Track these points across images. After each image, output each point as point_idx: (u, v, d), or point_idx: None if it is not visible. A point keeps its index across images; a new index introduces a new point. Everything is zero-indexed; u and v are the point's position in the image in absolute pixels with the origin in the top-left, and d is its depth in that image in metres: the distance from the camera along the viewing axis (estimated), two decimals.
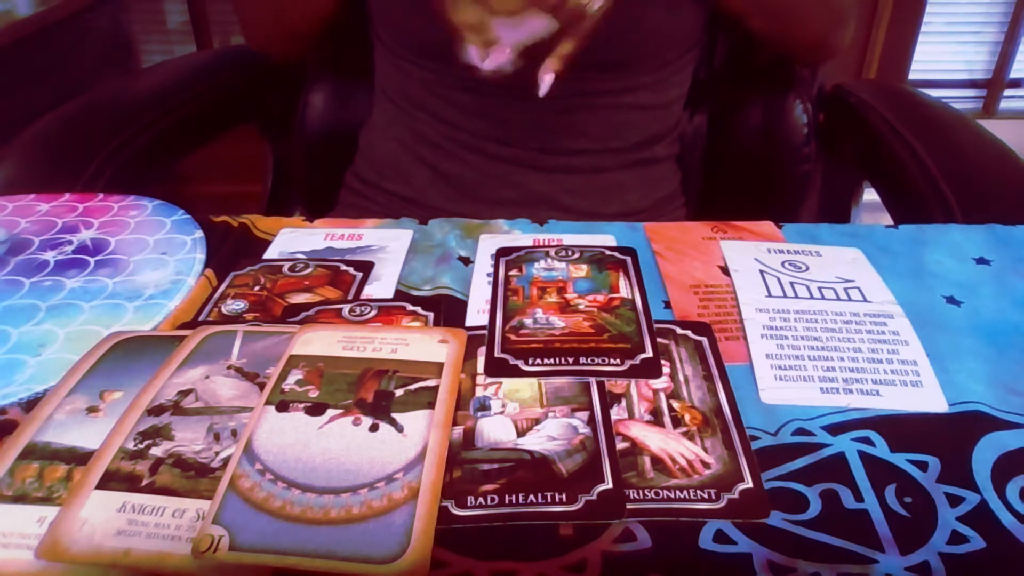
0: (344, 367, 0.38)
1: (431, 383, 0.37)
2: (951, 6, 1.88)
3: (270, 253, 0.51)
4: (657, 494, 0.32)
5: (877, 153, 0.73)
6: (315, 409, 0.35)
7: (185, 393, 0.37)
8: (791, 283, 0.46)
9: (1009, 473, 0.33)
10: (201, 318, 0.44)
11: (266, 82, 0.87)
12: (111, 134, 0.68)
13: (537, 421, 0.35)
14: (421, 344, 0.40)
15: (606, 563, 0.29)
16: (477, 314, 0.44)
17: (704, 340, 0.41)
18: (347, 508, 0.30)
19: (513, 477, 0.32)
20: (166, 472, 0.32)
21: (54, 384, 0.38)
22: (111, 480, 0.32)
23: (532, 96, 0.67)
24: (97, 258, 0.48)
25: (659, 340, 0.41)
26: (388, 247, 0.51)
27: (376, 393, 0.36)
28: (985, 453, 0.34)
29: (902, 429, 0.36)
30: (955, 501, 0.32)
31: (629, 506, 0.31)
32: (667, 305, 0.45)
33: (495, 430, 0.35)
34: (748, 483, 0.32)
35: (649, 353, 0.39)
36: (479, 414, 0.36)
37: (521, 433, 0.35)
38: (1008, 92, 1.98)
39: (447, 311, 0.44)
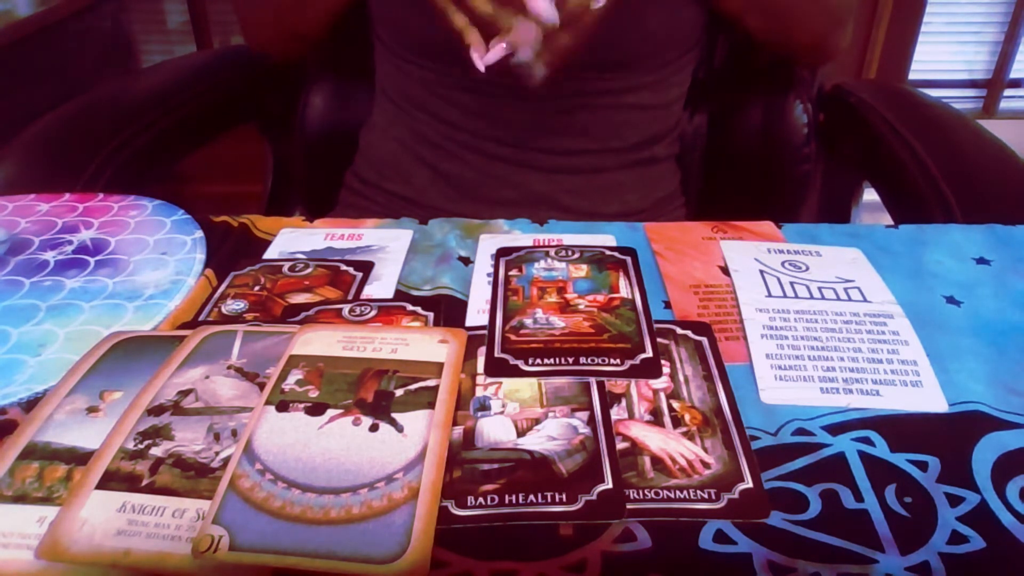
0: (344, 367, 0.38)
1: (431, 383, 0.37)
2: (951, 6, 1.88)
3: (270, 253, 0.51)
4: (657, 494, 0.32)
5: (877, 153, 0.73)
6: (315, 409, 0.35)
7: (185, 393, 0.37)
8: (791, 283, 0.46)
9: (1009, 473, 0.33)
10: (201, 318, 0.44)
11: (266, 82, 0.87)
12: (111, 134, 0.68)
13: (537, 421, 0.35)
14: (421, 344, 0.40)
15: (606, 563, 0.29)
16: (477, 314, 0.44)
17: (704, 340, 0.41)
18: (347, 508, 0.30)
19: (513, 477, 0.32)
20: (166, 472, 0.32)
21: (54, 384, 0.38)
22: (111, 480, 0.32)
23: (532, 96, 0.67)
24: (97, 258, 0.48)
25: (659, 340, 0.41)
26: (388, 247, 0.51)
27: (376, 393, 0.36)
28: (985, 453, 0.34)
29: (902, 429, 0.36)
30: (955, 501, 0.32)
31: (629, 506, 0.31)
32: (667, 305, 0.45)
33: (495, 430, 0.35)
34: (748, 483, 0.32)
35: (649, 353, 0.39)
36: (479, 414, 0.36)
37: (521, 433, 0.35)
38: (1008, 92, 1.98)
39: (447, 311, 0.44)
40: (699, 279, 0.47)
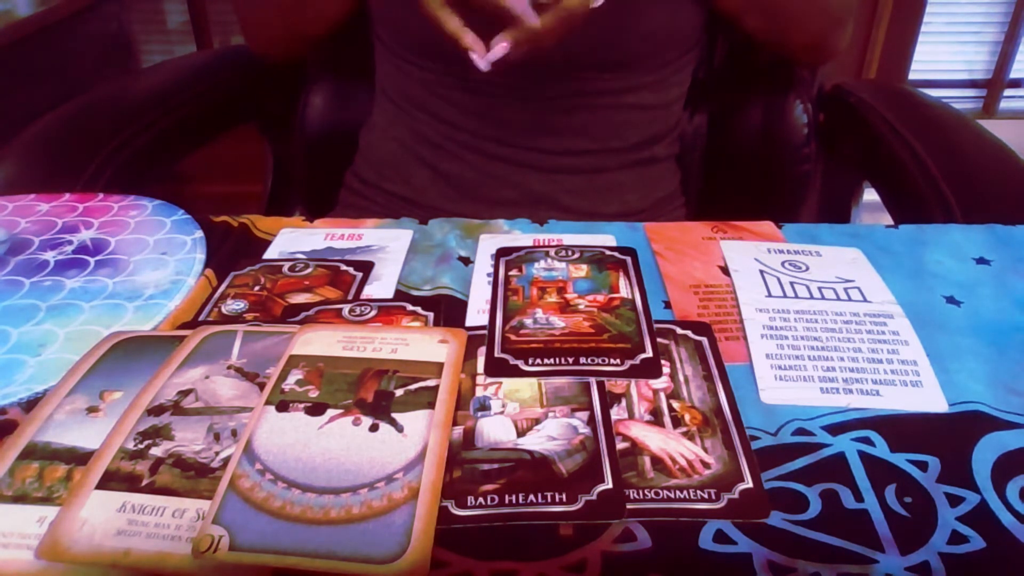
0: (344, 367, 0.38)
1: (431, 383, 0.37)
2: (951, 6, 1.88)
3: (270, 253, 0.51)
4: (657, 494, 0.32)
5: (877, 153, 0.73)
6: (315, 409, 0.35)
7: (185, 393, 0.37)
8: (791, 283, 0.46)
9: (1009, 473, 0.33)
10: (201, 318, 0.44)
11: (266, 82, 0.87)
12: (111, 134, 0.68)
13: (537, 421, 0.35)
14: (421, 344, 0.40)
15: (606, 563, 0.29)
16: (477, 314, 0.44)
17: (704, 340, 0.41)
18: (347, 508, 0.30)
19: (513, 477, 0.32)
20: (166, 472, 0.32)
21: (54, 384, 0.38)
22: (111, 480, 0.32)
23: (532, 96, 0.67)
24: (97, 258, 0.48)
25: (659, 340, 0.41)
26: (388, 247, 0.51)
27: (376, 393, 0.36)
28: (985, 453, 0.34)
29: (902, 429, 0.36)
30: (955, 501, 0.32)
31: (629, 506, 0.31)
32: (667, 305, 0.45)
33: (495, 430, 0.35)
34: (748, 483, 0.32)
35: (649, 353, 0.39)
36: (479, 414, 0.36)
37: (521, 433, 0.35)
38: (1008, 92, 1.98)
39: (447, 311, 0.44)
40: (699, 279, 0.47)
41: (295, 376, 0.37)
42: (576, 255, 0.48)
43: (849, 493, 0.32)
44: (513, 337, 0.41)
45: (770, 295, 0.45)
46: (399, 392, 0.36)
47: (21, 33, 1.23)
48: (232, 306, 0.45)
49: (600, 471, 0.32)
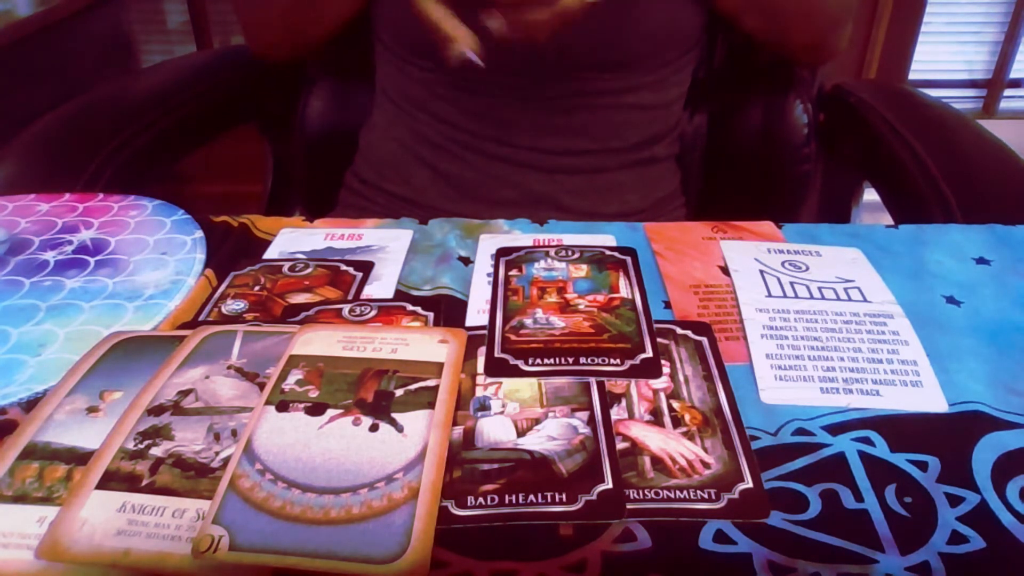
0: (344, 367, 0.38)
1: (431, 383, 0.37)
2: (951, 6, 1.88)
3: (270, 253, 0.51)
4: (657, 494, 0.32)
5: (877, 153, 0.73)
6: (315, 409, 0.35)
7: (185, 393, 0.37)
8: (791, 283, 0.46)
9: (1009, 473, 0.33)
10: (201, 318, 0.44)
11: (266, 82, 0.87)
12: (111, 134, 0.68)
13: (537, 421, 0.35)
14: (421, 344, 0.40)
15: (606, 563, 0.29)
16: (477, 314, 0.44)
17: (704, 340, 0.41)
18: (347, 508, 0.30)
19: (513, 477, 0.32)
20: (166, 472, 0.32)
21: (54, 384, 0.38)
22: (111, 480, 0.32)
23: (532, 96, 0.67)
24: (97, 258, 0.48)
25: (659, 340, 0.41)
26: (388, 247, 0.51)
27: (376, 393, 0.36)
28: (985, 453, 0.34)
29: (902, 429, 0.36)
30: (955, 501, 0.32)
31: (629, 506, 0.31)
32: (667, 305, 0.45)
33: (495, 430, 0.35)
34: (748, 483, 0.32)
35: (649, 353, 0.39)
36: (479, 414, 0.36)
37: (521, 433, 0.35)
38: (1008, 92, 1.98)
39: (447, 311, 0.44)
40: (699, 279, 0.47)
41: (295, 376, 0.37)
42: (576, 255, 0.48)
43: (849, 493, 0.32)
44: (513, 337, 0.41)
45: (770, 295, 0.45)
46: (399, 392, 0.36)
47: (21, 33, 1.23)
48: (232, 306, 0.45)
49: (600, 471, 0.32)
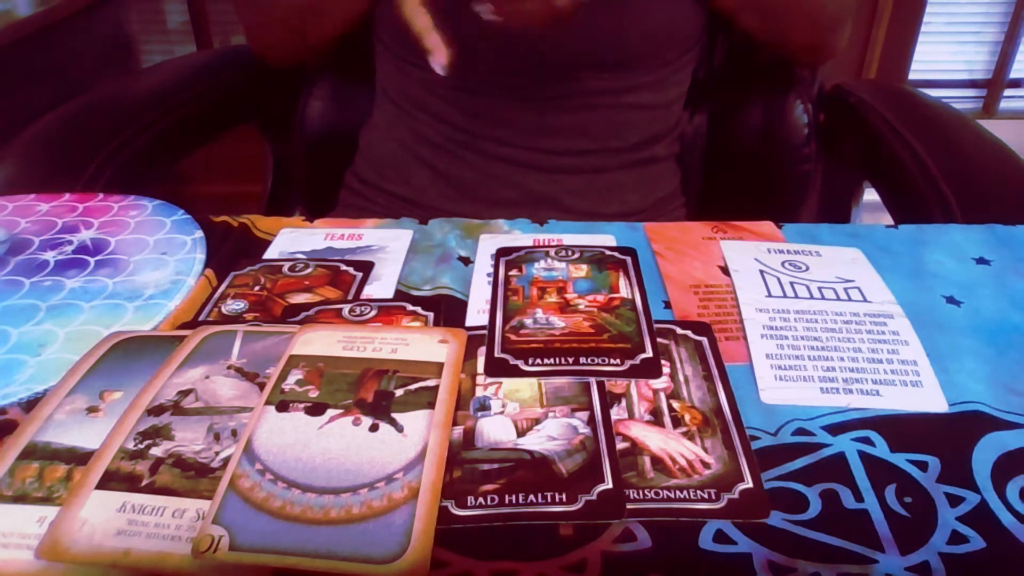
0: (344, 367, 0.38)
1: (431, 383, 0.37)
2: (951, 6, 1.88)
3: (270, 253, 0.51)
4: (657, 494, 0.32)
5: (877, 153, 0.73)
6: (315, 409, 0.35)
7: (185, 393, 0.37)
8: (791, 283, 0.46)
9: (1009, 473, 0.33)
10: (201, 318, 0.44)
11: (266, 82, 0.87)
12: (111, 134, 0.68)
13: (537, 421, 0.35)
14: (421, 344, 0.40)
15: (606, 563, 0.29)
16: (477, 314, 0.44)
17: (704, 340, 0.41)
18: (347, 508, 0.30)
19: (513, 477, 0.32)
20: (166, 472, 0.32)
21: (54, 384, 0.38)
22: (111, 480, 0.32)
23: (532, 96, 0.67)
24: (97, 258, 0.48)
25: (659, 340, 0.41)
26: (388, 247, 0.51)
27: (376, 393, 0.36)
28: (985, 453, 0.34)
29: (902, 429, 0.36)
30: (955, 501, 0.32)
31: (629, 506, 0.31)
32: (667, 305, 0.45)
33: (495, 430, 0.35)
34: (748, 483, 0.32)
35: (649, 353, 0.39)
36: (479, 414, 0.36)
37: (521, 433, 0.35)
38: (1008, 92, 1.98)
39: (447, 311, 0.44)
40: (699, 279, 0.47)
41: (295, 376, 0.37)
42: (576, 255, 0.48)
43: (849, 493, 0.32)
44: (513, 337, 0.41)
45: (770, 295, 0.45)
46: (399, 392, 0.36)
47: (21, 33, 1.23)
48: (232, 306, 0.45)
49: (600, 471, 0.32)
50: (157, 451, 0.33)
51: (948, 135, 0.71)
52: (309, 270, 0.48)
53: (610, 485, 0.32)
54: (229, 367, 0.38)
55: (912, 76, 1.93)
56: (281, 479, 0.31)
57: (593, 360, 0.39)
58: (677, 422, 0.35)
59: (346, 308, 0.44)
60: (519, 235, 0.52)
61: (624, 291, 0.45)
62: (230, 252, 0.50)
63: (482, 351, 0.40)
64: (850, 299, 0.44)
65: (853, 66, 1.85)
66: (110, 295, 0.45)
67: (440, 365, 0.38)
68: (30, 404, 0.37)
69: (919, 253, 0.49)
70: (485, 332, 0.41)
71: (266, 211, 0.92)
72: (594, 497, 0.31)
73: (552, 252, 0.49)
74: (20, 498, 0.32)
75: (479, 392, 0.37)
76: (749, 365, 0.40)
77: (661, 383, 0.38)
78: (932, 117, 0.74)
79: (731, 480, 0.32)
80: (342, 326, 0.42)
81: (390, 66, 0.73)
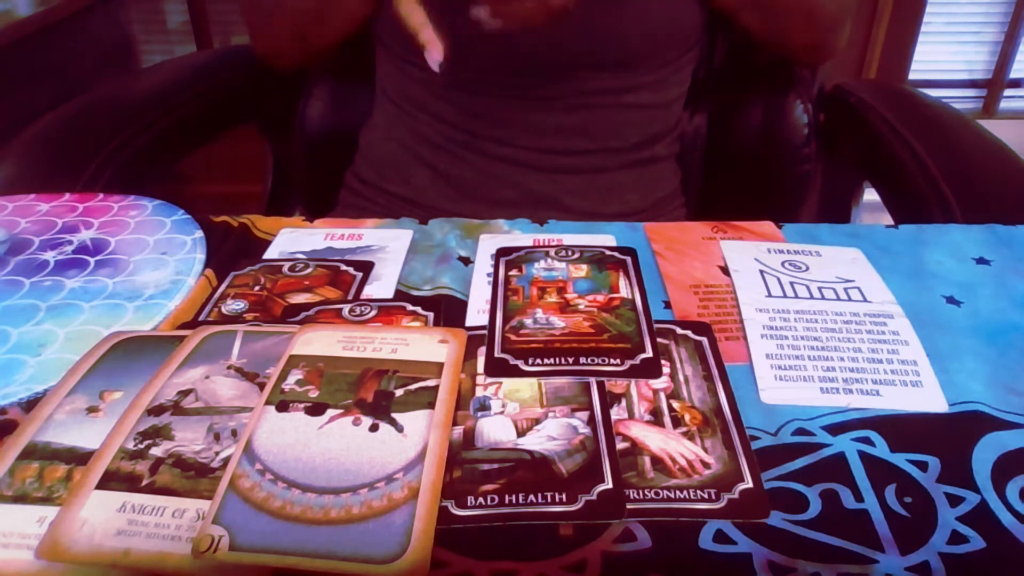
0: (344, 367, 0.38)
1: (431, 383, 0.37)
2: (951, 6, 1.88)
3: (270, 253, 0.51)
4: (657, 494, 0.32)
5: (877, 153, 0.73)
6: (315, 409, 0.35)
7: (185, 393, 0.37)
8: (791, 283, 0.46)
9: (1009, 473, 0.33)
10: (201, 318, 0.44)
11: (266, 82, 0.87)
12: (111, 134, 0.68)
13: (537, 421, 0.35)
14: (421, 344, 0.40)
15: (606, 563, 0.29)
16: (477, 314, 0.44)
17: (704, 340, 0.41)
18: (347, 508, 0.30)
19: (513, 477, 0.32)
20: (166, 472, 0.32)
21: (54, 384, 0.38)
22: (111, 480, 0.32)
23: (532, 96, 0.67)
24: (97, 258, 0.48)
25: (659, 340, 0.41)
26: (388, 247, 0.51)
27: (376, 393, 0.36)
28: (985, 453, 0.34)
29: (902, 429, 0.36)
30: (955, 501, 0.32)
31: (629, 506, 0.31)
32: (667, 305, 0.45)
33: (495, 430, 0.35)
34: (748, 483, 0.32)
35: (649, 353, 0.39)
36: (479, 414, 0.36)
37: (521, 433, 0.35)
38: (1008, 92, 1.98)
39: (447, 311, 0.44)
40: (699, 279, 0.47)
41: (295, 376, 0.37)
42: (576, 255, 0.48)
43: (849, 493, 0.32)
44: (513, 337, 0.41)
45: (770, 295, 0.45)
46: (399, 392, 0.36)
47: (21, 33, 1.23)
48: (232, 306, 0.45)
49: (600, 471, 0.32)
50: (157, 451, 0.33)
51: (948, 135, 0.71)
52: (309, 270, 0.48)
53: (610, 485, 0.32)
54: (229, 367, 0.38)
55: (912, 76, 1.93)
56: (281, 479, 0.31)
57: (593, 360, 0.39)
58: (677, 422, 0.35)
59: (346, 308, 0.44)
60: (519, 235, 0.52)
61: (624, 291, 0.45)
62: (230, 252, 0.50)
63: (482, 351, 0.40)
64: (850, 299, 0.44)
65: (853, 66, 1.85)
66: (110, 295, 0.45)
67: (440, 365, 0.38)
68: (30, 404, 0.37)
69: (919, 253, 0.49)
70: (485, 332, 0.41)
71: (266, 211, 0.92)
72: (594, 497, 0.31)
73: (552, 252, 0.49)
74: (20, 498, 0.32)
75: (479, 392, 0.37)
76: (749, 365, 0.40)
77: (661, 383, 0.38)
78: (932, 117, 0.74)
79: (731, 480, 0.32)
80: (342, 326, 0.42)
81: (390, 66, 0.73)
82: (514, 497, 0.31)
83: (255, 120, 0.90)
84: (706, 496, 0.32)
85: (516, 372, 0.38)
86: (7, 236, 0.50)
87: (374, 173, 0.75)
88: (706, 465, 0.33)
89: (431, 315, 0.43)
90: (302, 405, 0.35)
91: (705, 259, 0.49)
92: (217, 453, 0.33)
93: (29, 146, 0.66)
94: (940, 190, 0.63)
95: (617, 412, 0.36)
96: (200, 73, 0.84)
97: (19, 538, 0.30)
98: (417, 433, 0.34)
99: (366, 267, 0.48)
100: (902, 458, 0.34)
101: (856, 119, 0.77)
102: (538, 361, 0.39)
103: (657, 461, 0.33)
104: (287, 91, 0.87)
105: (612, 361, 0.39)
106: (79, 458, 0.33)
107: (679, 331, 0.42)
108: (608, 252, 0.49)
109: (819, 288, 0.45)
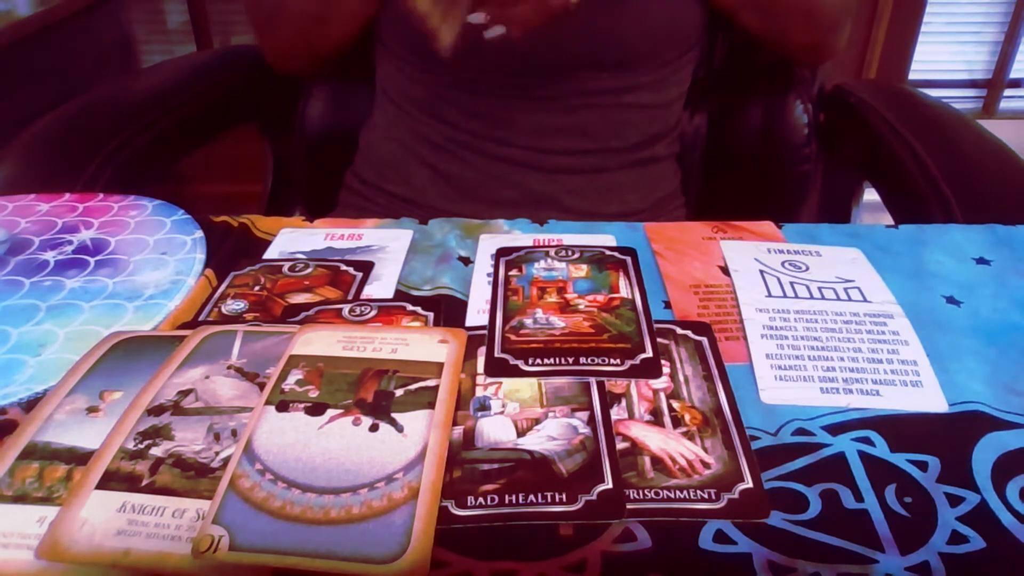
0: (344, 367, 0.38)
1: (431, 383, 0.37)
2: (951, 6, 1.88)
3: (270, 253, 0.51)
4: (657, 494, 0.32)
5: (877, 153, 0.73)
6: (315, 409, 0.35)
7: (185, 393, 0.37)
8: (791, 283, 0.46)
9: (1009, 473, 0.33)
10: (201, 318, 0.44)
11: (266, 82, 0.87)
12: (111, 134, 0.68)
13: (537, 421, 0.35)
14: (421, 344, 0.40)
15: (606, 563, 0.29)
16: (477, 314, 0.44)
17: (704, 340, 0.41)
18: (347, 508, 0.30)
19: (513, 477, 0.32)
20: (166, 472, 0.32)
21: (54, 384, 0.38)
22: (111, 480, 0.32)
23: (532, 96, 0.67)
24: (97, 258, 0.48)
25: (659, 340, 0.41)
26: (388, 247, 0.51)
27: (376, 393, 0.36)
28: (985, 453, 0.34)
29: (902, 429, 0.36)
30: (955, 501, 0.32)
31: (629, 506, 0.31)
32: (667, 305, 0.45)
33: (495, 430, 0.35)
34: (748, 483, 0.32)
35: (649, 353, 0.39)
36: (479, 414, 0.36)
37: (521, 433, 0.35)
38: (1008, 92, 1.98)
39: (447, 311, 0.44)
40: (699, 279, 0.47)
41: (295, 376, 0.37)
42: (576, 255, 0.48)
43: (849, 493, 0.32)
44: (513, 337, 0.41)
45: (770, 295, 0.45)
46: (399, 392, 0.36)
47: (21, 33, 1.23)
48: (232, 306, 0.45)
49: (600, 471, 0.32)
50: (157, 451, 0.33)
51: (948, 135, 0.71)
52: (309, 270, 0.48)
53: (610, 485, 0.32)
54: (229, 367, 0.38)
55: (912, 76, 1.93)
56: (281, 479, 0.31)
57: (593, 360, 0.39)
58: (677, 422, 0.35)
59: (346, 308, 0.44)
60: (519, 235, 0.52)
61: (624, 291, 0.45)
62: (230, 252, 0.50)
63: (482, 351, 0.40)
64: (850, 299, 0.44)
65: (853, 66, 1.85)
66: (110, 295, 0.45)
67: (440, 365, 0.38)
68: (30, 404, 0.37)
69: (919, 253, 0.49)
70: (485, 332, 0.41)
71: (266, 211, 0.92)
72: (594, 497, 0.31)
73: (552, 252, 0.49)
74: (20, 498, 0.32)
75: (479, 392, 0.37)
76: (749, 365, 0.40)
77: (661, 383, 0.38)
78: (932, 117, 0.74)
79: (731, 480, 0.32)
80: (342, 326, 0.42)
81: (390, 66, 0.73)
82: (514, 497, 0.31)
83: (255, 120, 0.90)
84: (706, 496, 0.32)
85: (516, 372, 0.38)
86: (7, 236, 0.50)
87: (374, 173, 0.75)
88: (706, 465, 0.33)
89: (431, 315, 0.43)
90: (302, 405, 0.35)
91: (705, 259, 0.49)
92: (217, 453, 0.33)
93: (29, 146, 0.66)
94: (940, 190, 0.63)
95: (617, 412, 0.36)
96: (200, 73, 0.84)
97: (19, 538, 0.30)
98: (417, 433, 0.34)
99: (366, 267, 0.48)
100: (902, 458, 0.34)
101: (856, 119, 0.77)
102: (538, 361, 0.39)
103: (657, 461, 0.33)
104: (287, 91, 0.87)
105: (612, 361, 0.39)
106: (79, 458, 0.33)
107: (679, 331, 0.42)
108: (608, 252, 0.49)
109: (819, 288, 0.45)
